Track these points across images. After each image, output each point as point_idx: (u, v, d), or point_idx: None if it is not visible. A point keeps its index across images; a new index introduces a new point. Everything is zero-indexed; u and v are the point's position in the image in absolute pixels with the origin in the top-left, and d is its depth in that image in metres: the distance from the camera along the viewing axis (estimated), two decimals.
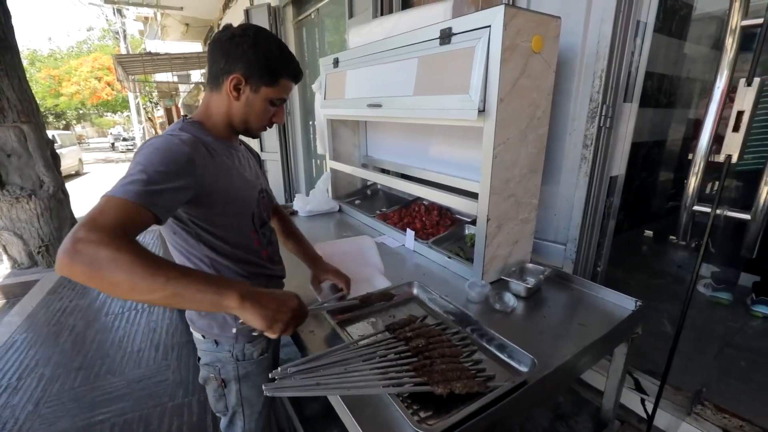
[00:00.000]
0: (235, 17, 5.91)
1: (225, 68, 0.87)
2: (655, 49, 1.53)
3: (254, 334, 0.89)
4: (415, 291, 1.25)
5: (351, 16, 2.65)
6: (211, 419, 1.86)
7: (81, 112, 20.33)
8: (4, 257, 3.74)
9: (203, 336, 1.01)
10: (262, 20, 4.35)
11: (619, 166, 1.57)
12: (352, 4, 2.63)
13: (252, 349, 1.02)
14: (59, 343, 2.56)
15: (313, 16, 4.01)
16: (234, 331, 0.95)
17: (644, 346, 1.68)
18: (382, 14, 2.31)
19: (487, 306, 1.20)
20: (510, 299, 1.19)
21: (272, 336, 0.76)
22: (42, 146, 3.66)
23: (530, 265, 1.36)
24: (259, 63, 0.87)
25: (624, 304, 1.16)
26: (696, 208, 0.95)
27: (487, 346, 0.97)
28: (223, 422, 1.10)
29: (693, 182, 0.94)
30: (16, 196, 3.51)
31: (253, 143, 5.14)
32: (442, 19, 1.45)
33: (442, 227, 1.80)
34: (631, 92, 1.48)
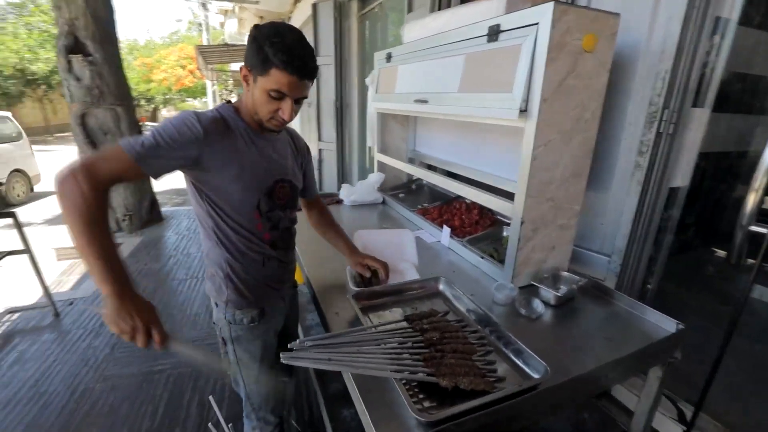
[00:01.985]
0: (304, 11, 6.16)
1: (243, 60, 0.98)
2: (740, 46, 1.36)
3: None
4: (440, 287, 1.26)
5: (410, 10, 2.67)
6: None
7: (167, 97, 22.53)
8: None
9: (211, 297, 1.16)
10: (327, 14, 4.51)
11: (682, 177, 1.44)
12: None
13: (241, 316, 1.12)
14: None
15: (377, 10, 4.07)
16: (225, 296, 1.09)
17: (700, 379, 1.54)
18: (440, 9, 2.30)
19: (512, 310, 1.18)
20: (538, 306, 1.17)
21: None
22: (132, 126, 4.15)
23: (565, 274, 1.31)
24: (253, 53, 0.92)
25: (664, 325, 1.09)
26: (753, 228, 0.86)
27: (504, 349, 0.97)
28: (232, 378, 1.23)
29: (752, 199, 0.84)
30: None
31: (310, 130, 5.38)
32: (495, 14, 1.42)
33: (480, 227, 1.78)
34: (703, 96, 1.35)
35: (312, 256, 1.55)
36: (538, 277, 1.29)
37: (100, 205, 0.81)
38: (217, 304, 1.14)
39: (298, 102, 0.98)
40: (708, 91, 1.35)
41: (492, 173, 1.77)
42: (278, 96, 0.95)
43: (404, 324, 1.03)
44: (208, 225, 1.06)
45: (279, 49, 0.90)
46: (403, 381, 0.82)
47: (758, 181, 0.84)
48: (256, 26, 0.93)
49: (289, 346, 0.84)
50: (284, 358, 0.80)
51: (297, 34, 0.94)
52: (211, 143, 0.94)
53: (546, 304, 1.20)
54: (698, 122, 1.38)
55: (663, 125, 1.28)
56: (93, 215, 0.79)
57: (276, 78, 0.92)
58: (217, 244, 1.07)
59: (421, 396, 0.83)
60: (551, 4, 1.00)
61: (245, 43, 0.97)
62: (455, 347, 0.93)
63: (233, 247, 1.07)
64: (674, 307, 1.81)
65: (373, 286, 1.25)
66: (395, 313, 1.15)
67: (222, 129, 0.96)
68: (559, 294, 1.18)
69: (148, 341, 0.84)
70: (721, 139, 1.77)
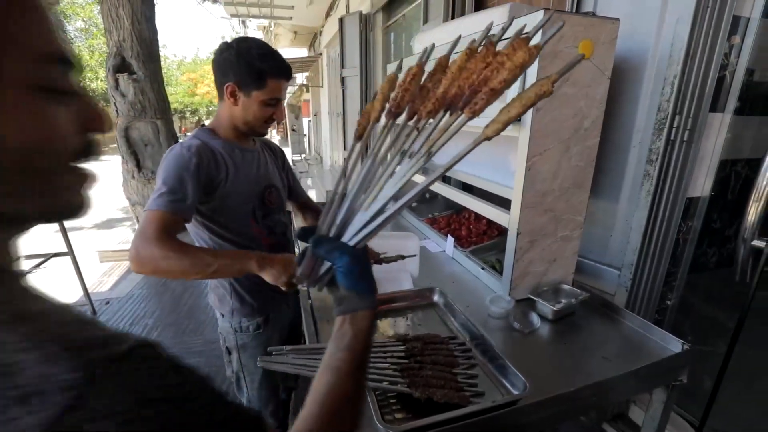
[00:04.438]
0: (333, 25, 6.36)
1: (222, 80, 1.01)
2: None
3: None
4: (435, 297, 1.25)
5: (426, 21, 2.69)
6: None
7: (210, 109, 23.88)
8: (137, 227, 4.63)
9: (215, 308, 1.20)
10: (353, 27, 4.62)
11: (701, 187, 1.35)
12: (428, 9, 2.67)
13: (248, 323, 1.16)
14: (162, 301, 3.11)
15: (400, 21, 4.13)
16: (230, 306, 1.13)
17: (732, 405, 1.41)
18: (453, 19, 2.30)
19: (507, 323, 1.15)
20: (533, 320, 1.13)
21: (284, 288, 0.90)
22: (169, 138, 4.44)
23: (566, 287, 1.26)
24: (244, 70, 0.97)
25: (669, 345, 1.01)
26: (755, 243, 0.78)
27: (488, 364, 0.95)
28: (233, 387, 1.27)
29: (753, 210, 0.77)
30: (147, 178, 4.33)
31: (337, 140, 5.49)
32: (500, 22, 1.41)
33: (487, 237, 1.74)
34: (723, 100, 1.27)
35: None
36: (538, 290, 1.25)
37: (174, 247, 0.86)
38: (222, 315, 1.19)
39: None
40: (728, 95, 1.26)
41: (503, 184, 1.73)
42: (274, 102, 1.04)
43: (389, 336, 1.03)
44: (205, 241, 1.10)
45: (269, 59, 0.99)
46: (377, 391, 0.83)
47: (761, 191, 0.77)
48: (228, 44, 1.00)
49: (268, 350, 0.87)
50: (260, 361, 0.83)
51: (265, 43, 1.03)
52: (206, 167, 1.00)
53: (543, 318, 1.15)
54: (719, 127, 1.29)
55: (674, 132, 1.21)
56: (174, 256, 0.85)
57: (272, 87, 1.01)
58: None
59: (397, 407, 0.83)
60: (540, 13, 0.99)
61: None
62: (436, 359, 0.92)
63: None
64: (702, 326, 1.68)
65: None
66: (386, 323, 1.15)
67: (209, 153, 1.01)
68: (555, 308, 1.13)
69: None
70: (754, 144, 1.65)
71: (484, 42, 0.54)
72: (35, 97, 0.29)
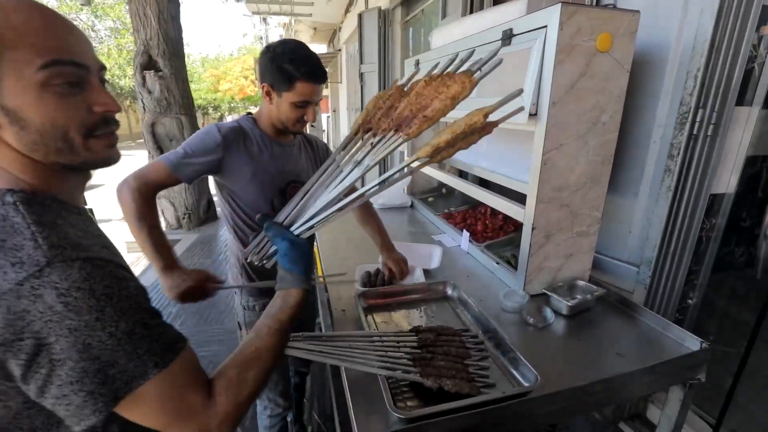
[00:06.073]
0: (353, 21, 6.37)
1: (260, 79, 1.09)
2: None
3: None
4: (449, 291, 1.26)
5: (444, 16, 2.68)
6: None
7: (232, 105, 24.35)
8: (162, 219, 4.80)
9: (231, 286, 1.29)
10: (372, 23, 4.63)
11: (726, 183, 1.31)
12: (446, 4, 2.65)
13: (254, 303, 1.26)
14: None
15: (419, 16, 4.12)
16: (240, 283, 1.23)
17: (751, 405, 1.37)
18: (471, 14, 2.28)
19: (520, 318, 1.16)
20: (548, 315, 1.13)
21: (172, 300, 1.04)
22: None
23: (582, 283, 1.25)
24: (275, 72, 1.04)
25: (687, 343, 1.00)
26: None
27: (501, 356, 0.96)
28: None
29: None
30: None
31: None
32: (517, 17, 1.40)
33: (503, 232, 1.74)
34: (750, 93, 1.23)
35: (331, 252, 1.61)
36: (553, 285, 1.25)
37: (148, 204, 1.01)
38: (236, 292, 1.29)
39: (317, 104, 1.13)
40: (756, 88, 1.22)
41: (519, 179, 1.72)
42: (304, 105, 1.09)
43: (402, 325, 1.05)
44: (229, 219, 1.21)
45: (300, 63, 1.03)
46: (390, 379, 0.85)
47: None
48: (268, 47, 1.06)
49: None
50: None
51: (305, 46, 1.07)
52: (230, 148, 1.09)
53: (558, 313, 1.15)
54: (746, 121, 1.25)
55: (697, 126, 1.18)
56: (141, 212, 1.00)
57: (301, 90, 1.06)
58: (235, 237, 1.22)
59: (409, 395, 0.85)
60: (558, 6, 0.98)
61: None
62: (448, 350, 0.93)
63: (247, 239, 1.20)
64: (727, 326, 1.64)
65: (377, 287, 1.28)
66: (400, 315, 1.18)
67: (239, 136, 1.11)
68: (570, 303, 1.13)
69: (203, 296, 1.07)
70: None
71: (447, 70, 0.60)
72: (46, 93, 0.44)
